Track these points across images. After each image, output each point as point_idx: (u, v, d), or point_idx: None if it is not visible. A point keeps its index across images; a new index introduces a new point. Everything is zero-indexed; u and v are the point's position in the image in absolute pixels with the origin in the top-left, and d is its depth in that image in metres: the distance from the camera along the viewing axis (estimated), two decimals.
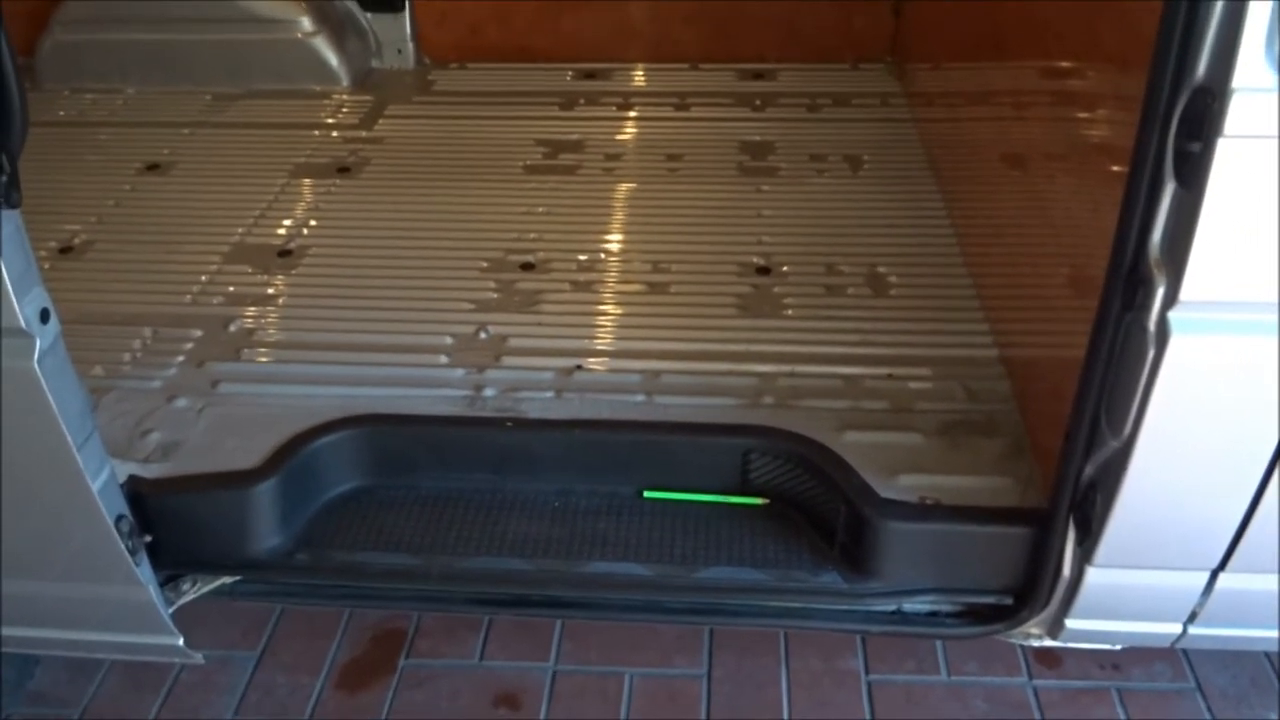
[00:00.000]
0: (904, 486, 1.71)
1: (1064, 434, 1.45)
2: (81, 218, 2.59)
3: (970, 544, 1.65)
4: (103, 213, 2.62)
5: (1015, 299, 2.03)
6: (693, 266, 2.34)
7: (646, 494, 1.86)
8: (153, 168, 2.83)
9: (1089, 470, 1.45)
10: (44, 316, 1.37)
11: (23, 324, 1.33)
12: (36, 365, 1.35)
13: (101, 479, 1.50)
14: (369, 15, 3.37)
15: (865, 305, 2.19)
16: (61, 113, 3.13)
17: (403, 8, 3.35)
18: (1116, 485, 1.39)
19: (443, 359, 2.07)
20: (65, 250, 2.47)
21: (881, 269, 2.30)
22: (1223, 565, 1.48)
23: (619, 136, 2.95)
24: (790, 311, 2.18)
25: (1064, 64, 1.78)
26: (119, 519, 1.55)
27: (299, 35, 3.20)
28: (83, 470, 1.45)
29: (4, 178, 1.28)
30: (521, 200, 2.62)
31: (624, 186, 2.69)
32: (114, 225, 2.57)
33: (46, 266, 2.41)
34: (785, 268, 2.32)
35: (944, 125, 2.72)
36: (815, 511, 1.79)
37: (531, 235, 2.47)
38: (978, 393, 1.93)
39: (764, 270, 2.32)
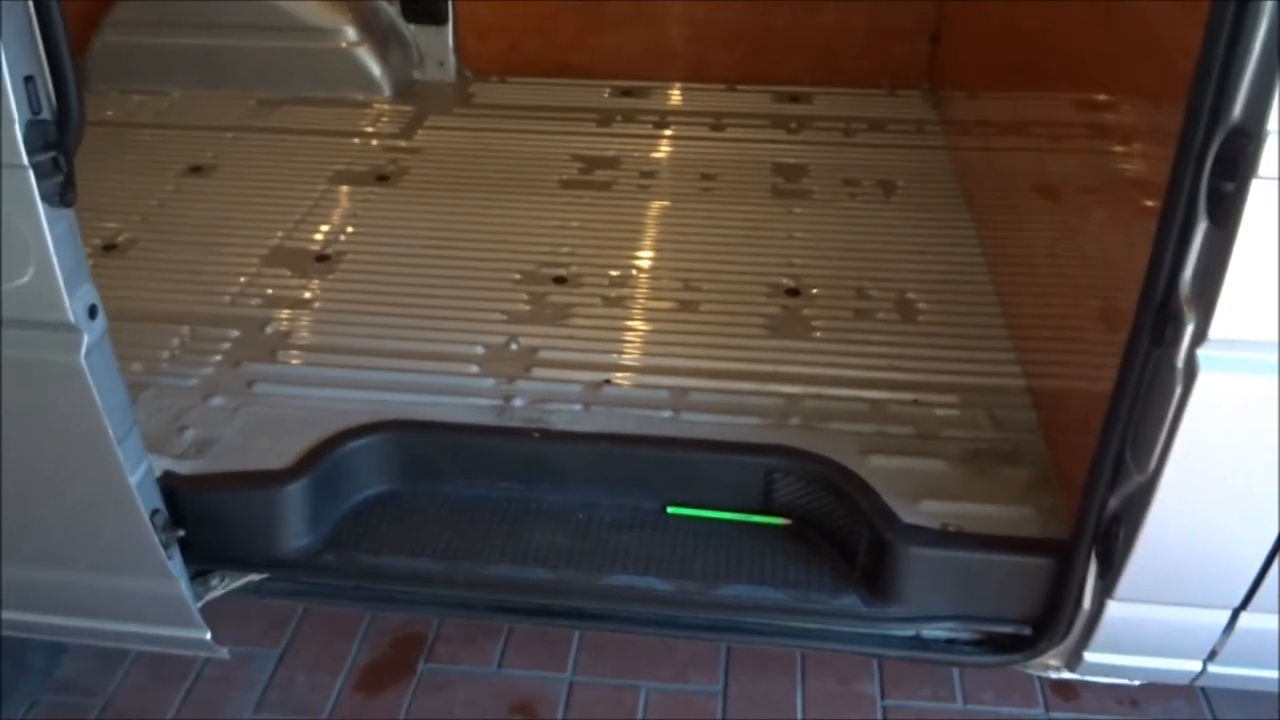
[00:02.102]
0: (927, 512, 1.72)
1: (1089, 466, 1.45)
2: (125, 216, 2.64)
3: (991, 573, 1.66)
4: (146, 212, 2.67)
5: (1044, 329, 2.04)
6: (723, 285, 2.36)
7: (670, 510, 1.87)
8: (196, 170, 2.89)
9: (1113, 504, 1.45)
10: (92, 312, 1.41)
11: (71, 319, 1.37)
12: (83, 360, 1.39)
13: (139, 473, 1.54)
14: (413, 27, 3.42)
15: (894, 330, 2.20)
16: (110, 113, 3.20)
17: (446, 21, 3.41)
18: (1140, 520, 1.40)
19: (473, 368, 2.10)
20: (109, 248, 2.52)
21: (911, 295, 2.32)
22: (1245, 604, 1.48)
23: (654, 154, 2.98)
24: (818, 334, 2.20)
25: (1099, 97, 1.79)
26: (154, 513, 1.59)
27: (343, 45, 3.26)
28: (122, 464, 1.48)
29: (60, 177, 1.31)
30: (556, 214, 2.65)
31: (658, 204, 2.72)
32: (157, 225, 2.62)
33: (90, 264, 2.44)
34: (815, 290, 2.34)
35: (978, 154, 2.73)
36: (837, 534, 1.80)
37: (565, 249, 2.50)
38: (1004, 421, 1.94)
39: (793, 292, 2.34)
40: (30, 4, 1.31)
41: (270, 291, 2.34)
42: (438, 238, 2.55)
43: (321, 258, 2.47)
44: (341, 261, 2.46)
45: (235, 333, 2.20)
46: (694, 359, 2.12)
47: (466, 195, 2.75)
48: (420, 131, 3.11)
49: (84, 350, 1.39)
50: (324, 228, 2.60)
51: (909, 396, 2.00)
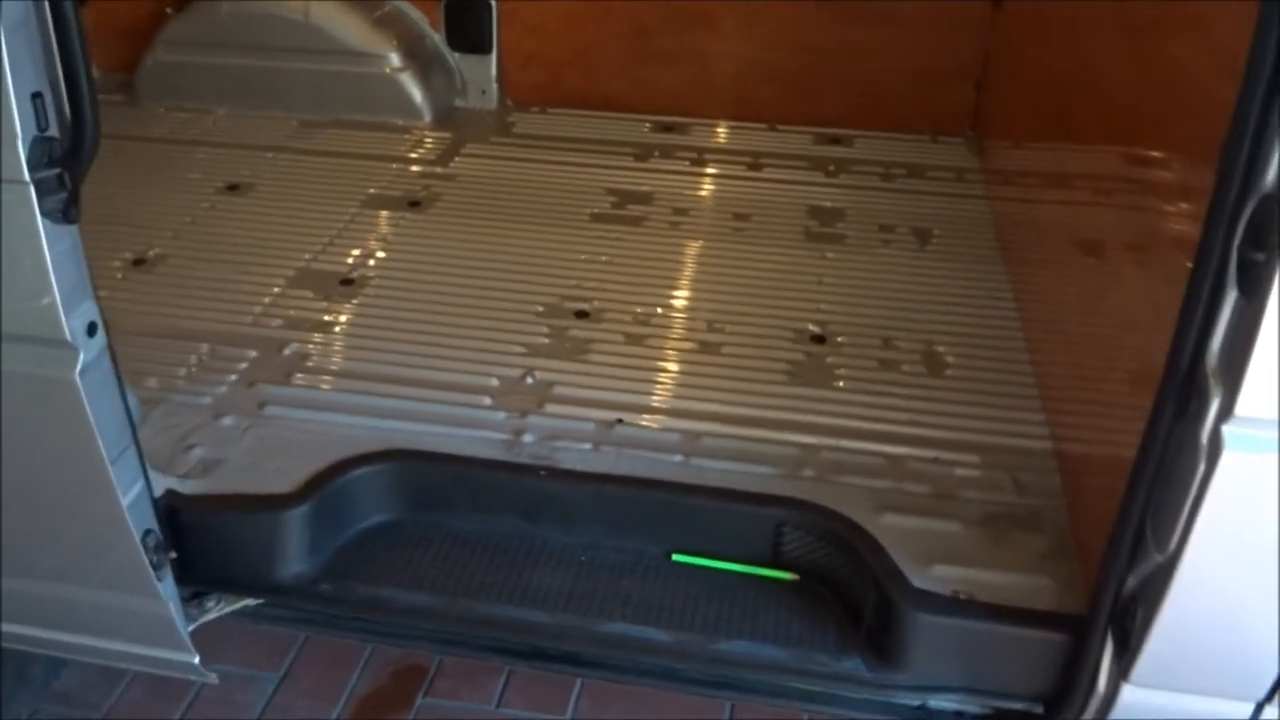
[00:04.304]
0: (939, 577, 1.65)
1: (1109, 538, 1.38)
2: (159, 232, 2.66)
3: (1003, 645, 1.58)
4: (179, 228, 2.69)
5: (1074, 390, 1.97)
6: (747, 328, 2.31)
7: (675, 557, 1.83)
8: (233, 188, 2.91)
9: (1131, 581, 1.38)
10: (91, 330, 1.40)
11: (68, 336, 1.36)
12: (78, 377, 1.38)
13: (133, 493, 1.53)
14: (457, 55, 3.44)
15: (919, 384, 2.14)
16: (155, 129, 3.24)
17: (490, 50, 3.42)
18: (1159, 601, 1.32)
19: (486, 400, 2.07)
20: (139, 262, 2.54)
21: (940, 348, 2.25)
22: (1269, 698, 1.40)
23: (689, 192, 2.95)
24: (841, 383, 2.14)
25: (1134, 150, 1.73)
26: (146, 534, 1.57)
27: (387, 70, 3.28)
28: (114, 483, 1.47)
29: (65, 194, 1.31)
30: (585, 247, 2.63)
31: (688, 242, 2.68)
32: (189, 241, 2.64)
33: (119, 276, 2.48)
34: (840, 338, 2.29)
35: (1016, 205, 2.67)
36: (845, 591, 1.74)
37: (590, 283, 2.47)
38: (1026, 485, 1.87)
39: (819, 339, 2.29)
40: (49, 21, 1.31)
41: (292, 313, 2.34)
42: (464, 266, 2.54)
43: (346, 281, 2.47)
44: (366, 286, 2.45)
45: (253, 353, 2.19)
46: (711, 403, 2.07)
47: (497, 224, 2.74)
48: (457, 159, 3.11)
49: (79, 367, 1.38)
50: (353, 251, 2.60)
51: (929, 454, 1.94)
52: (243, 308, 2.36)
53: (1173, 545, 1.27)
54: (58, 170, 1.30)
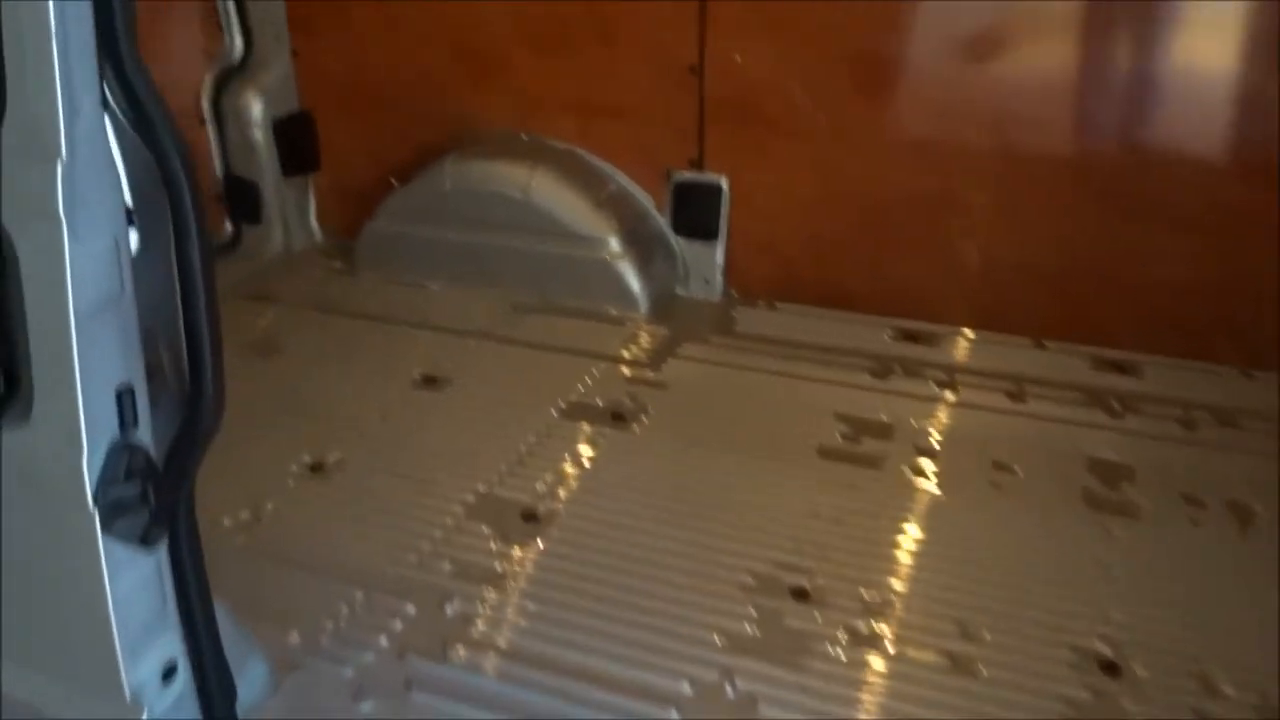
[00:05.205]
0: None
1: None
2: (345, 430, 2.46)
3: None
4: (367, 427, 2.48)
5: None
6: (1011, 639, 1.81)
7: None
8: (429, 381, 2.69)
9: None
10: (169, 673, 1.10)
11: (126, 694, 1.06)
12: None
13: None
14: (681, 240, 3.16)
15: None
16: (365, 303, 3.12)
17: (717, 236, 3.12)
18: None
19: (673, 714, 1.66)
20: (316, 467, 2.33)
21: None
22: None
23: (936, 424, 2.49)
24: None
25: None
26: None
27: (605, 256, 3.04)
28: None
29: (148, 512, 1.03)
30: (807, 495, 2.21)
31: (934, 498, 2.22)
32: (372, 444, 2.41)
33: (291, 485, 2.27)
34: (1140, 670, 1.75)
35: None
36: None
37: (811, 548, 2.04)
38: None
39: (1109, 667, 1.76)
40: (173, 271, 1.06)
41: (464, 555, 2.03)
42: (663, 507, 2.17)
43: (529, 516, 2.15)
44: (550, 525, 2.12)
45: (412, 609, 1.89)
46: None
47: (707, 451, 2.37)
48: (671, 361, 2.79)
49: None
50: (543, 476, 2.28)
51: None
52: (411, 540, 2.07)
53: None
54: (139, 486, 1.01)
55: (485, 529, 2.12)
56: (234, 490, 2.20)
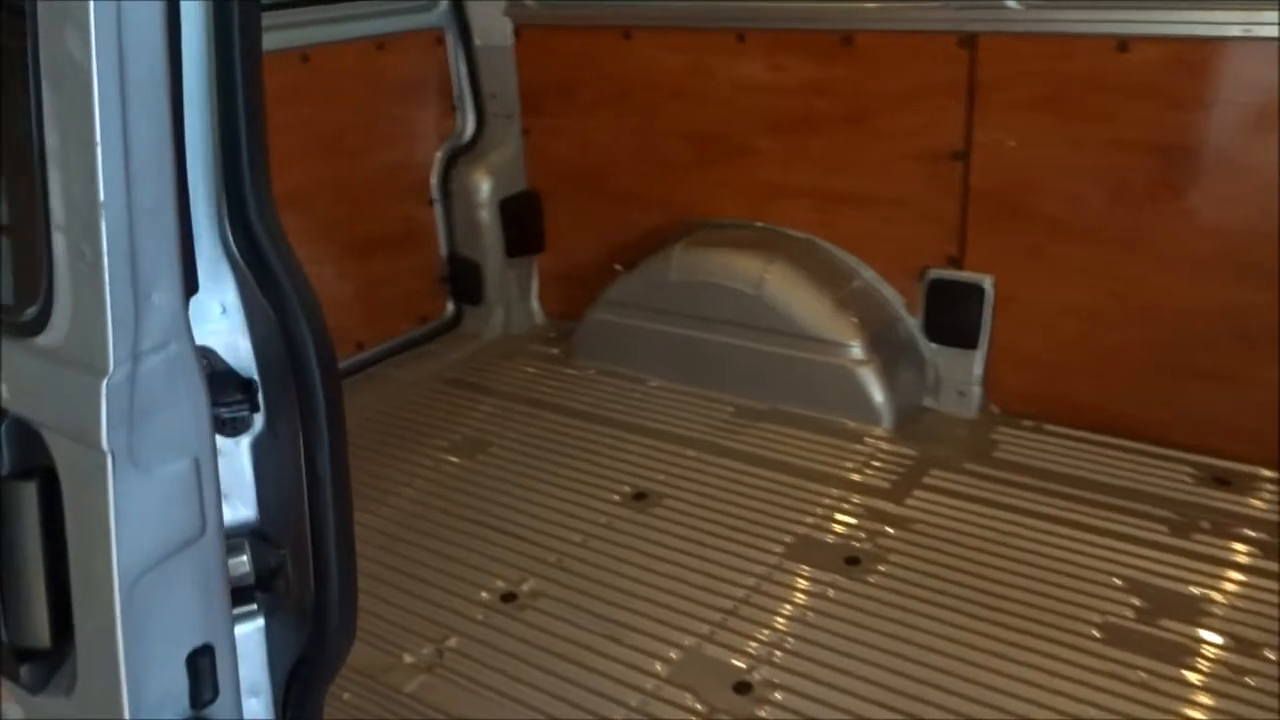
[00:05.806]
0: None
1: None
2: (544, 553, 2.23)
3: None
4: (566, 551, 2.24)
5: None
6: None
7: None
8: (640, 497, 2.43)
9: None
10: None
11: None
12: None
13: None
14: (934, 346, 2.77)
15: None
16: (580, 398, 2.91)
17: (977, 344, 2.71)
18: None
19: None
20: (508, 598, 2.10)
21: None
22: None
23: (1255, 610, 1.97)
24: None
25: None
26: None
27: (846, 361, 2.69)
28: None
29: None
30: (1084, 695, 1.77)
31: (1265, 712, 1.72)
32: (571, 573, 2.17)
33: (479, 618, 2.05)
34: None
35: None
36: None
37: None
38: None
39: None
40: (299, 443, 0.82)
41: None
42: (898, 690, 1.79)
43: (741, 687, 1.83)
44: (763, 703, 1.79)
45: None
46: None
47: (958, 619, 1.97)
48: (916, 492, 2.40)
49: None
50: (759, 633, 1.96)
51: None
52: (601, 705, 1.79)
53: None
54: None
55: (689, 698, 1.81)
56: (419, 619, 2.00)
